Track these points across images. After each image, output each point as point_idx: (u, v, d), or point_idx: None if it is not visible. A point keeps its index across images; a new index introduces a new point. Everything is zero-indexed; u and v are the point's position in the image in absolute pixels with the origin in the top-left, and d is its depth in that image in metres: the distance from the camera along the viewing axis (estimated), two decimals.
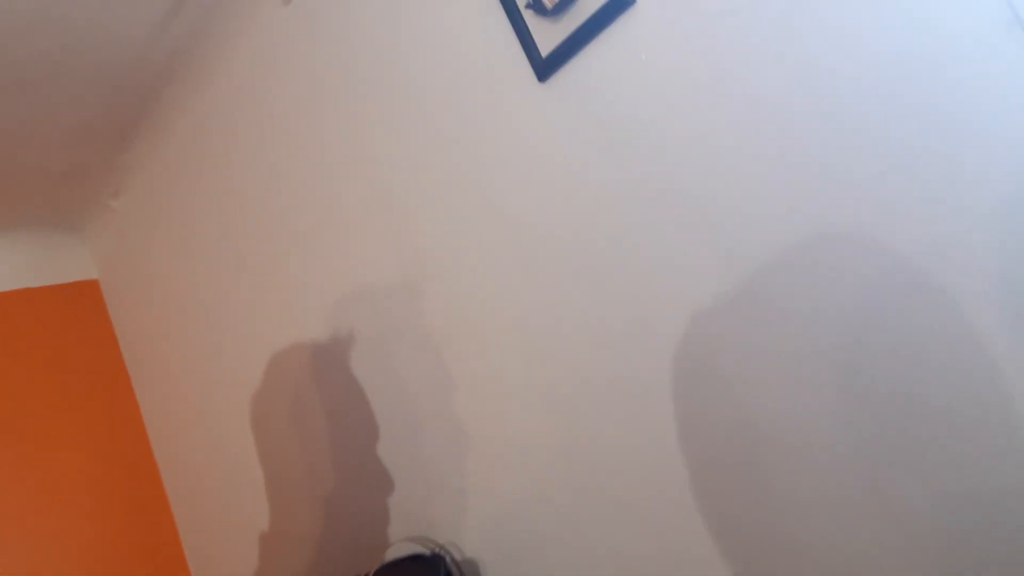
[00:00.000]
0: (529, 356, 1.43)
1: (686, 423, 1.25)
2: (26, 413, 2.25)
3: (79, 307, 2.46)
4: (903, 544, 1.07)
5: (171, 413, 2.37)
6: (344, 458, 1.80)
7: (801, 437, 1.14)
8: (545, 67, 1.32)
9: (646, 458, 1.30)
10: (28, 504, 2.17)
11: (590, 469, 1.38)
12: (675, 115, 1.19)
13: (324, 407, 1.83)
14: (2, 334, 2.30)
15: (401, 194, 1.58)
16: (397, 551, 1.54)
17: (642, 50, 1.21)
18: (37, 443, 2.24)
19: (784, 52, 1.10)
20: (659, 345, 1.26)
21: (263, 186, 1.91)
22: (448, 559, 1.51)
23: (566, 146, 1.32)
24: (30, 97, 1.85)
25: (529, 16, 1.32)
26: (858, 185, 1.06)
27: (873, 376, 1.07)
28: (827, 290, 1.10)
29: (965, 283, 1.00)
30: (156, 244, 2.31)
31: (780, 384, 1.15)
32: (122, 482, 2.34)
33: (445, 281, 1.54)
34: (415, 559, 1.54)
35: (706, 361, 1.21)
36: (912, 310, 1.04)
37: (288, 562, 2.01)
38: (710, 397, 1.22)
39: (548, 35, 1.30)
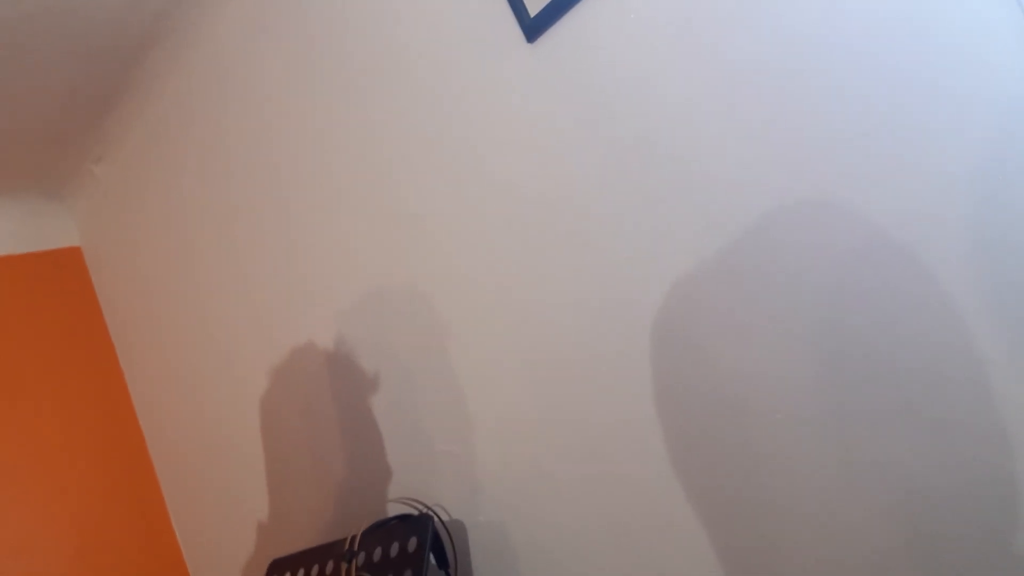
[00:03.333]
0: (516, 322, 1.44)
1: (667, 390, 1.27)
2: (8, 380, 2.24)
3: (61, 274, 2.44)
4: (876, 511, 1.10)
5: (156, 379, 2.37)
6: (333, 423, 1.81)
7: (779, 403, 1.16)
8: (533, 27, 1.32)
9: (632, 425, 1.31)
10: (13, 472, 2.17)
11: (578, 435, 1.39)
12: (661, 80, 1.20)
13: (313, 370, 1.83)
14: None
15: (389, 158, 1.58)
16: (384, 513, 1.56)
17: (631, 10, 1.21)
18: (20, 410, 2.24)
19: (761, 18, 1.10)
20: (643, 312, 1.27)
21: (250, 151, 1.90)
22: (436, 519, 1.52)
23: (554, 108, 1.32)
24: (10, 61, 1.83)
25: None
26: (835, 152, 1.07)
27: (850, 344, 1.09)
28: (804, 258, 1.11)
29: (940, 251, 1.01)
30: (140, 210, 2.29)
31: (759, 351, 1.17)
32: (107, 449, 2.34)
33: (435, 247, 1.55)
34: (403, 519, 1.55)
35: (686, 328, 1.23)
36: (888, 278, 1.06)
37: (276, 525, 2.02)
38: (689, 365, 1.23)
39: None
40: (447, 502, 1.59)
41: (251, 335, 2.01)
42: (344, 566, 1.47)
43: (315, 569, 1.68)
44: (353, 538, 1.47)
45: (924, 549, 1.07)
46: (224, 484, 2.16)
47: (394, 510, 1.65)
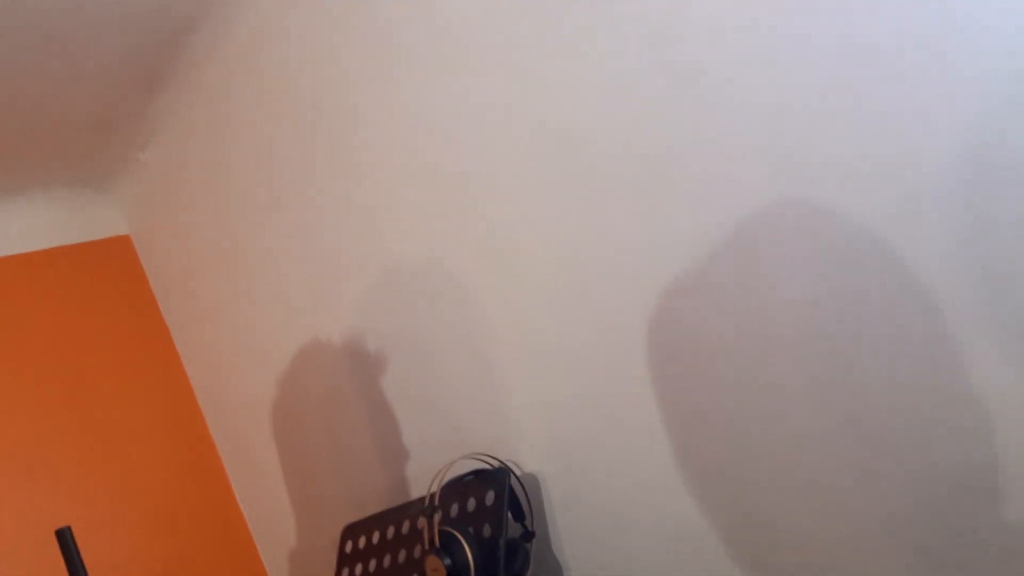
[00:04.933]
0: (569, 266, 1.45)
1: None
2: (68, 369, 2.29)
3: (112, 263, 2.48)
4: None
5: (211, 360, 2.41)
6: (395, 387, 1.83)
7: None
8: None
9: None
10: (80, 458, 2.22)
11: (635, 374, 1.40)
12: None
13: (373, 336, 1.86)
14: (36, 293, 2.33)
15: (438, 118, 1.59)
16: (459, 468, 1.58)
17: None
18: (82, 399, 2.29)
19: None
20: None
21: (296, 128, 1.91)
22: (511, 473, 1.55)
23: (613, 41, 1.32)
24: (53, 50, 1.85)
25: None
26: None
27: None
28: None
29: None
30: (187, 196, 2.32)
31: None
32: (169, 431, 2.39)
33: (483, 203, 1.56)
34: (477, 474, 1.58)
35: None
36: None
37: (342, 494, 2.05)
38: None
39: None
40: (519, 456, 1.61)
41: (305, 308, 2.03)
42: (425, 522, 1.49)
43: (391, 530, 1.72)
44: (433, 494, 1.50)
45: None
46: (286, 458, 2.19)
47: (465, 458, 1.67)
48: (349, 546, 1.82)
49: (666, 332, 1.36)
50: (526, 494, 1.57)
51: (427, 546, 1.47)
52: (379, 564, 1.71)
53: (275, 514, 2.31)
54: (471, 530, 1.49)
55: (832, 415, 1.18)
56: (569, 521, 1.57)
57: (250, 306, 2.22)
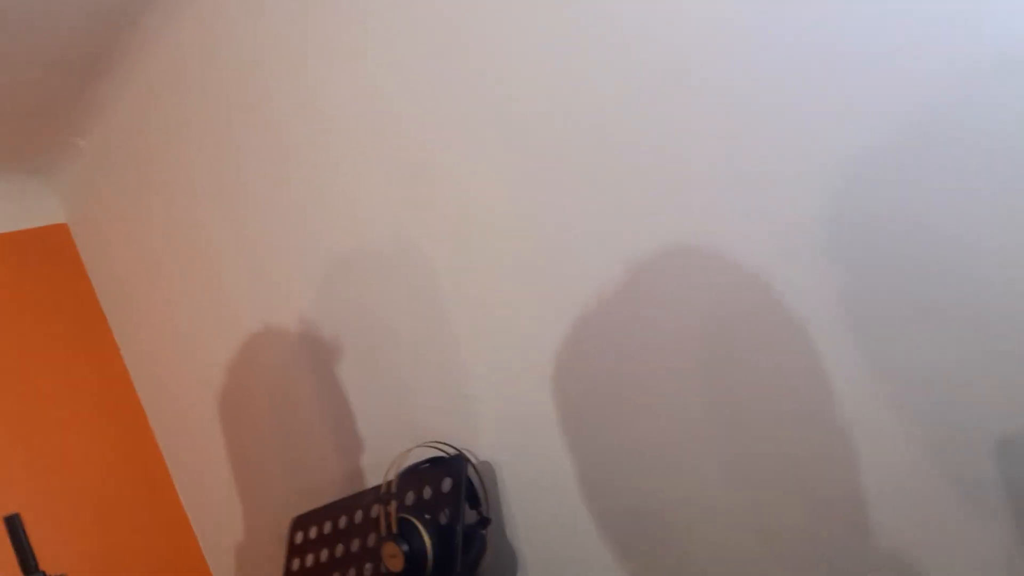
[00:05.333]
0: (527, 257, 1.48)
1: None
2: (4, 359, 2.23)
3: (49, 252, 2.41)
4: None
5: (151, 351, 2.37)
6: (351, 375, 1.83)
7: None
8: None
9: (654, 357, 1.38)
10: (15, 450, 2.16)
11: (597, 354, 1.44)
12: None
13: (328, 322, 1.85)
14: None
15: (397, 103, 1.59)
16: (415, 456, 1.59)
17: None
18: (17, 390, 2.23)
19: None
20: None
21: (244, 115, 1.90)
22: (468, 460, 1.57)
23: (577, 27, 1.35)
24: None
25: None
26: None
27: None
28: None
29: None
30: (128, 182, 2.27)
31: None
32: (107, 423, 2.34)
33: (445, 194, 1.57)
34: (434, 462, 1.59)
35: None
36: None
37: (290, 486, 2.04)
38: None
39: None
40: (474, 444, 1.63)
41: (255, 295, 2.02)
42: (381, 510, 1.50)
43: (343, 520, 1.72)
44: (390, 482, 1.51)
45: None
46: (233, 447, 2.17)
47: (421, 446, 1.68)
48: (300, 537, 1.81)
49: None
50: (482, 481, 1.59)
51: (384, 533, 1.48)
52: (331, 554, 1.71)
53: (218, 504, 2.28)
54: (428, 517, 1.50)
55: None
56: (524, 507, 1.60)
57: (194, 293, 2.19)
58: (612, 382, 1.43)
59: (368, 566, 1.59)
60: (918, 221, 1.05)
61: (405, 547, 1.46)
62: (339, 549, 1.68)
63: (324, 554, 1.71)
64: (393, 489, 1.51)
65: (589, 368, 1.45)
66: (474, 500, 1.58)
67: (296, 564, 1.76)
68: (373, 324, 1.75)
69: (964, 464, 1.08)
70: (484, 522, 1.58)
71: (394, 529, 1.48)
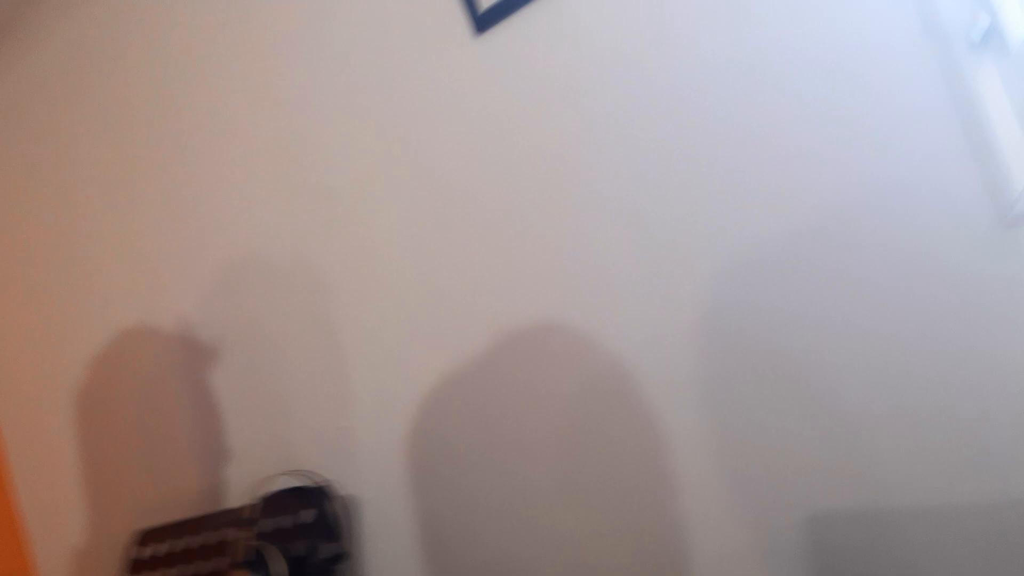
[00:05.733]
0: (425, 306, 1.47)
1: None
2: None
3: None
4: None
5: (4, 341, 2.23)
6: (227, 387, 1.77)
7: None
8: (483, 20, 1.37)
9: (529, 396, 1.39)
10: None
11: (477, 412, 1.44)
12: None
13: (209, 329, 1.78)
14: None
15: (309, 127, 1.58)
16: (276, 484, 1.54)
17: (583, 20, 1.28)
18: None
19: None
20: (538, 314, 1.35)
21: (144, 107, 1.83)
22: (330, 492, 1.53)
23: (492, 101, 1.37)
24: None
25: None
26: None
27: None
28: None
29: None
30: (8, 164, 2.16)
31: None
32: None
33: (349, 226, 1.55)
34: (299, 491, 1.55)
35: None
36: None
37: (143, 494, 1.94)
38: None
39: None
40: (343, 476, 1.59)
41: (129, 294, 1.93)
42: (237, 534, 1.44)
43: (193, 540, 1.64)
44: (250, 506, 1.45)
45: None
46: (86, 448, 2.05)
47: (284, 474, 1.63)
48: (141, 552, 1.72)
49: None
50: (346, 516, 1.56)
51: (236, 558, 1.42)
52: (176, 574, 1.63)
53: (62, 509, 2.14)
54: (284, 547, 1.46)
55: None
56: (383, 546, 1.57)
57: (67, 283, 2.08)
58: (480, 438, 1.43)
59: None
60: (767, 336, 1.16)
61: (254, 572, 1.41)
62: (186, 569, 1.60)
63: (170, 573, 1.63)
64: (253, 514, 1.45)
65: (461, 421, 1.45)
66: (334, 534, 1.54)
67: None
68: (258, 337, 1.70)
69: (779, 534, 1.17)
70: (341, 557, 1.54)
71: (247, 556, 1.43)
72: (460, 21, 1.40)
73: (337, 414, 1.60)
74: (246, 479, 1.68)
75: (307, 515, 1.51)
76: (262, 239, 1.68)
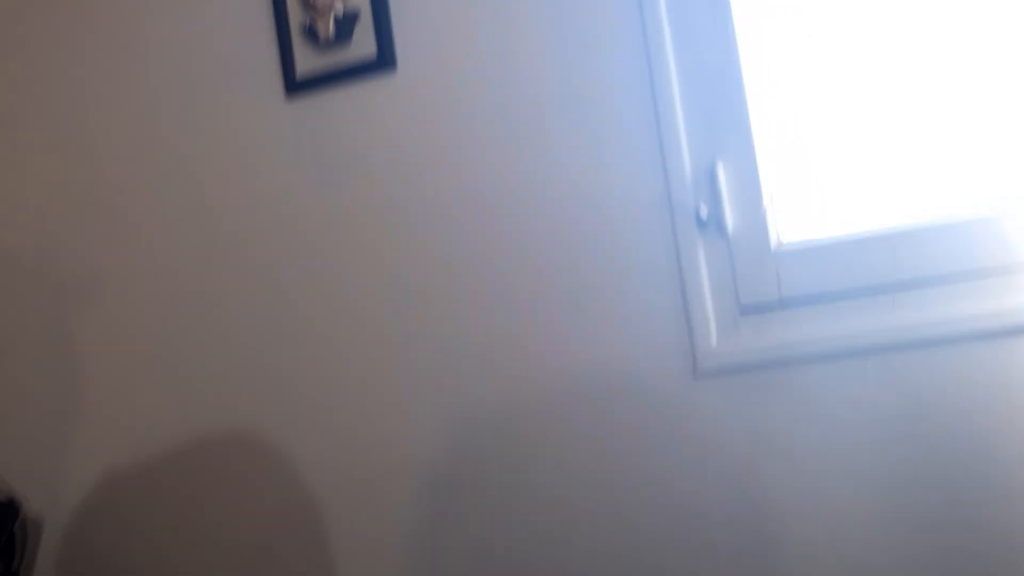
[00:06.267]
0: (180, 358, 1.49)
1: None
2: None
3: None
4: None
5: None
6: None
7: None
8: (296, 86, 1.43)
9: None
10: None
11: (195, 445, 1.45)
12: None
13: None
14: None
15: (98, 148, 1.55)
16: None
17: (390, 113, 1.39)
18: None
19: None
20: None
21: None
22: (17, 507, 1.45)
23: (286, 164, 1.44)
24: None
25: (297, 36, 1.43)
26: None
27: None
28: None
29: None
30: None
31: None
32: None
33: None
34: None
35: None
36: None
37: None
38: None
39: (309, 60, 1.42)
40: (31, 491, 1.51)
41: None
42: None
43: None
44: None
45: None
46: None
47: None
48: None
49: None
50: (24, 535, 1.47)
51: None
52: None
53: None
54: None
55: None
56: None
57: None
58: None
59: None
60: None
61: None
62: None
63: None
64: None
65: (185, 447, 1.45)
66: (8, 553, 1.45)
67: None
68: None
69: None
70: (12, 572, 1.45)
71: None
72: (275, 82, 1.45)
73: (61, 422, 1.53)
74: None
75: None
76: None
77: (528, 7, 1.30)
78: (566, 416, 1.27)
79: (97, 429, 1.52)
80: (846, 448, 1.14)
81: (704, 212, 1.20)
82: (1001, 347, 1.08)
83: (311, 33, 1.41)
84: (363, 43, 1.39)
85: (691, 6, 1.23)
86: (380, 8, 1.37)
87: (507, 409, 1.30)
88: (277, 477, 1.41)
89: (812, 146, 1.22)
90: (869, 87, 1.19)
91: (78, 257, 1.55)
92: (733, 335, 1.20)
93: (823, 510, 1.15)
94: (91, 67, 1.55)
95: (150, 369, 1.49)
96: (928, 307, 1.12)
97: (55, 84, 1.57)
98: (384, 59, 1.37)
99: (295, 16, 1.42)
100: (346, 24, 1.39)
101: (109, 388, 1.51)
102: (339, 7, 1.38)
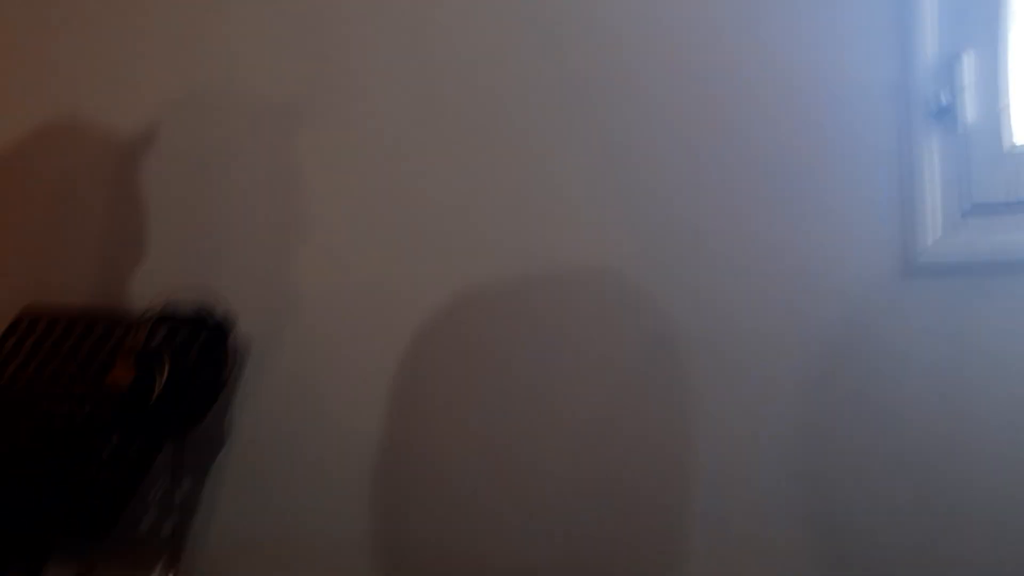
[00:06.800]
0: None
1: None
2: None
3: None
4: None
5: None
6: (140, 194, 1.76)
7: None
8: None
9: None
10: None
11: None
12: None
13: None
14: None
15: None
16: (179, 302, 1.57)
17: None
18: None
19: None
20: None
21: None
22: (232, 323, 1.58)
23: None
24: None
25: None
26: None
27: None
28: None
29: None
30: None
31: None
32: None
33: None
34: (200, 314, 1.57)
35: None
36: None
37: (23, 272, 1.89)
38: None
39: None
40: (245, 308, 1.61)
41: None
42: (131, 331, 1.48)
43: (83, 324, 1.64)
44: (157, 306, 1.50)
45: None
46: None
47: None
48: (24, 324, 1.71)
49: None
50: (235, 348, 1.60)
51: (128, 349, 1.46)
52: (55, 348, 1.62)
53: None
54: (172, 358, 1.49)
55: None
56: (260, 388, 1.62)
57: None
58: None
59: (91, 371, 1.54)
60: None
61: (139, 372, 1.44)
62: (65, 346, 1.61)
63: (46, 343, 1.63)
64: (156, 313, 1.49)
65: None
66: (221, 364, 1.58)
67: (10, 343, 1.66)
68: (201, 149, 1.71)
69: None
70: (220, 387, 1.58)
71: (137, 356, 1.46)
72: None
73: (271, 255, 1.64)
74: (148, 288, 1.69)
75: (203, 337, 1.55)
76: None
77: None
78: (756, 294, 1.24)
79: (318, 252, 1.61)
80: None
81: (944, 101, 1.13)
82: None
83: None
84: None
85: None
86: None
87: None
88: None
89: None
90: None
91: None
92: (952, 234, 1.14)
93: None
94: None
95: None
96: None
97: None
98: None
99: None
100: None
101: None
102: None
